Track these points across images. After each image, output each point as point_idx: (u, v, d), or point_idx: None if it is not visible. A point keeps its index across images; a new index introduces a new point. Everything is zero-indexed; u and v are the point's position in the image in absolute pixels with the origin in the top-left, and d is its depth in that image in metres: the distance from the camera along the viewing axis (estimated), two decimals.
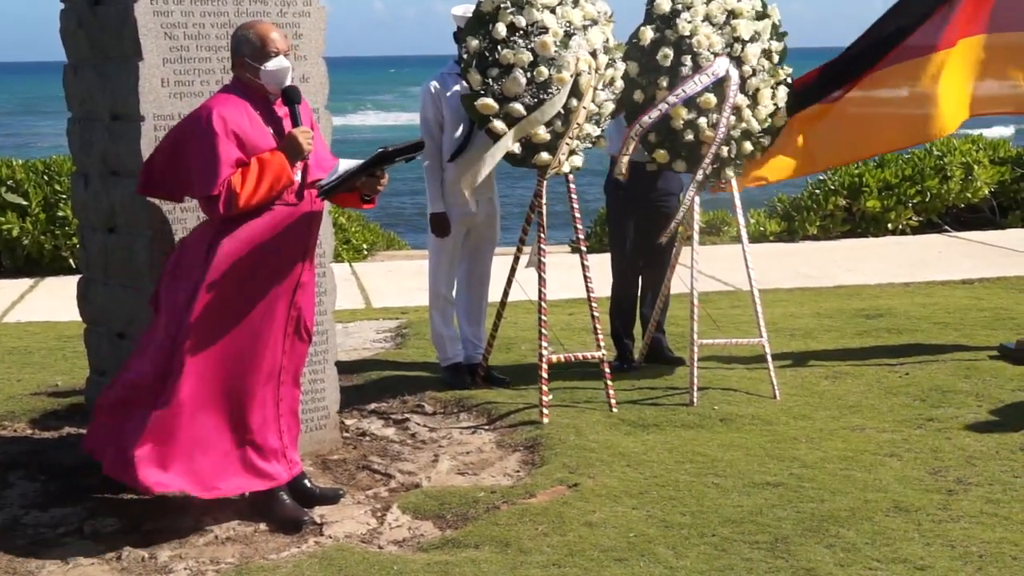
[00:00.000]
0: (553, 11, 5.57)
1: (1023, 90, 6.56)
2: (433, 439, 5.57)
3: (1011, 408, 5.74)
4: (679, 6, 5.96)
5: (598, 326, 5.98)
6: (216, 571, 4.11)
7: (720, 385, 6.27)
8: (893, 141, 6.88)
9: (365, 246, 12.48)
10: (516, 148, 5.62)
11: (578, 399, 6.06)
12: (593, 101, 5.73)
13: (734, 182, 6.27)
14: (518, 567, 4.04)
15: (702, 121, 5.95)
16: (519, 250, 6.14)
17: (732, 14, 6.01)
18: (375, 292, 9.65)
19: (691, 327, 6.08)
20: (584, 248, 6.14)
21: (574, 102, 5.62)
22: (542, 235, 5.87)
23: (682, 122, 5.96)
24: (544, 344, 5.76)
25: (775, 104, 6.17)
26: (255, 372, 4.41)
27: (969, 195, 12.70)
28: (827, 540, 4.20)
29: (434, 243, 6.34)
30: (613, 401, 5.86)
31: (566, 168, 5.83)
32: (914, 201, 12.40)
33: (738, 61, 6.00)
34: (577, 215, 6.07)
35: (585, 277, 5.98)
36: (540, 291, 5.80)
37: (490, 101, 5.54)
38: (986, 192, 12.80)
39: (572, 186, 6.01)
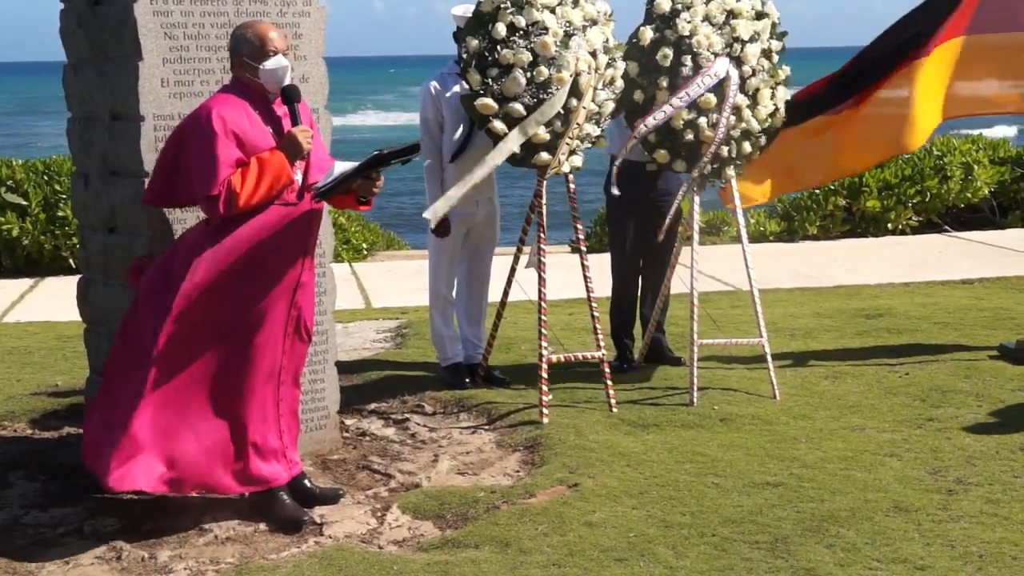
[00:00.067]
0: (553, 11, 5.57)
1: (1004, 90, 6.55)
2: (433, 439, 5.57)
3: (1011, 408, 5.74)
4: (679, 6, 5.96)
5: (598, 326, 5.98)
6: (216, 571, 4.11)
7: (720, 385, 6.27)
8: (873, 156, 6.86)
9: (365, 246, 12.48)
10: (516, 148, 5.61)
11: (578, 399, 6.06)
12: (593, 101, 5.73)
13: (734, 182, 6.27)
14: (518, 567, 4.04)
15: (702, 121, 5.95)
16: (519, 250, 6.14)
17: (731, 14, 6.01)
18: (375, 292, 9.65)
19: (691, 327, 6.08)
20: (584, 248, 6.14)
21: (574, 102, 5.62)
22: (542, 235, 5.87)
23: (682, 122, 5.96)
24: (544, 344, 5.76)
25: (775, 104, 6.17)
26: (255, 372, 4.41)
27: (969, 195, 12.70)
28: (827, 540, 4.20)
29: (434, 243, 6.34)
30: (613, 401, 5.86)
31: (566, 168, 5.83)
32: (914, 201, 12.40)
33: (738, 61, 6.00)
34: (577, 215, 6.07)
35: (585, 277, 5.98)
36: (540, 291, 5.80)
37: (490, 101, 5.54)
38: (986, 192, 12.80)
39: (572, 186, 6.01)
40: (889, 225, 12.32)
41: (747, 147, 6.15)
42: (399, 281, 10.10)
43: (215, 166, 4.21)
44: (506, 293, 6.29)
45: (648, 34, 5.96)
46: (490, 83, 5.54)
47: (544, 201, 5.88)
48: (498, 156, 5.62)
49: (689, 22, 5.91)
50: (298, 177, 4.42)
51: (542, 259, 5.82)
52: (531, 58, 5.52)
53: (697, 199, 6.20)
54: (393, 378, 6.57)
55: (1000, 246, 11.00)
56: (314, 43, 5.12)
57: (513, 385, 6.32)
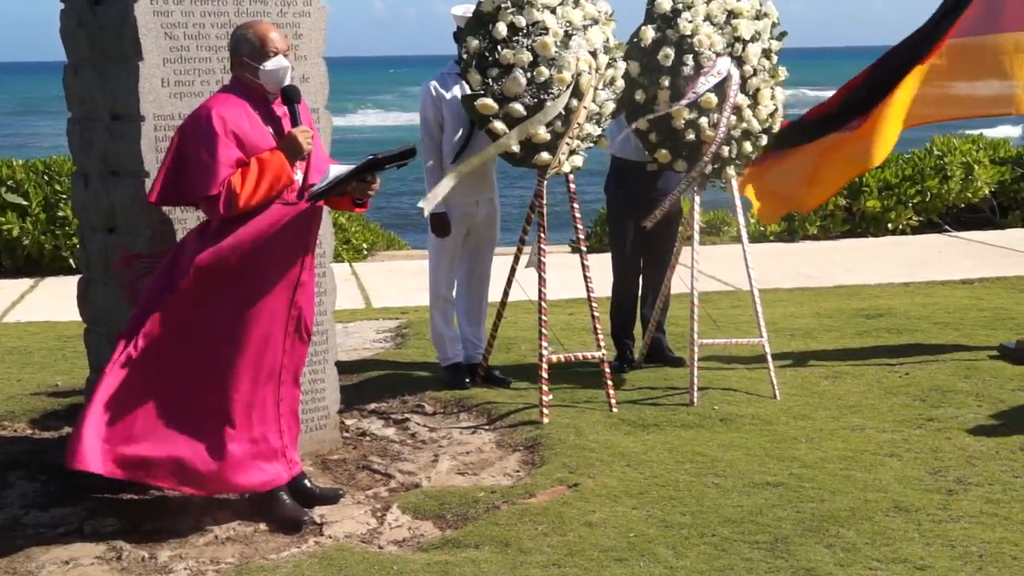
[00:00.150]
0: (553, 11, 5.57)
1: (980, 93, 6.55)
2: (433, 439, 5.57)
3: (1011, 408, 5.74)
4: (680, 6, 5.96)
5: (598, 326, 5.98)
6: (216, 571, 4.11)
7: (720, 385, 6.27)
8: (845, 175, 6.84)
9: (365, 246, 12.48)
10: (516, 148, 5.62)
11: (578, 399, 6.06)
12: (594, 101, 5.73)
13: (734, 182, 6.27)
14: (518, 567, 4.04)
15: (703, 121, 5.96)
16: (519, 250, 6.14)
17: (732, 14, 6.01)
18: (375, 292, 9.65)
19: (691, 327, 6.08)
20: (584, 248, 6.14)
21: (574, 102, 5.62)
22: (542, 235, 5.87)
23: (683, 122, 5.97)
24: (544, 344, 5.76)
25: (775, 104, 6.17)
26: (255, 372, 4.41)
27: (969, 195, 12.70)
28: (827, 540, 4.20)
29: (434, 243, 6.34)
30: (613, 401, 5.86)
31: (566, 168, 5.83)
32: (914, 201, 12.40)
33: (739, 61, 6.00)
34: (577, 215, 6.07)
35: (585, 277, 5.98)
36: (540, 291, 5.80)
37: (490, 101, 5.54)
38: (986, 192, 12.80)
39: (572, 186, 6.01)
40: (889, 225, 12.32)
41: (747, 147, 6.16)
42: (399, 281, 10.11)
43: (215, 166, 4.22)
44: (506, 293, 6.29)
45: (649, 34, 5.96)
46: (490, 83, 5.54)
47: (544, 201, 5.88)
48: (495, 149, 5.62)
49: (691, 22, 5.91)
50: (298, 177, 4.42)
51: (542, 259, 5.82)
52: (531, 58, 5.52)
53: (697, 199, 6.20)
54: (393, 378, 6.57)
55: (1000, 246, 11.00)
56: (314, 43, 5.12)
57: (513, 385, 6.32)
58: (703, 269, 6.89)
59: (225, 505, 4.60)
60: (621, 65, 5.86)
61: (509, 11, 5.52)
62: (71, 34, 5.09)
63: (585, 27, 5.65)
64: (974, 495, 4.61)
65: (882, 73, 6.51)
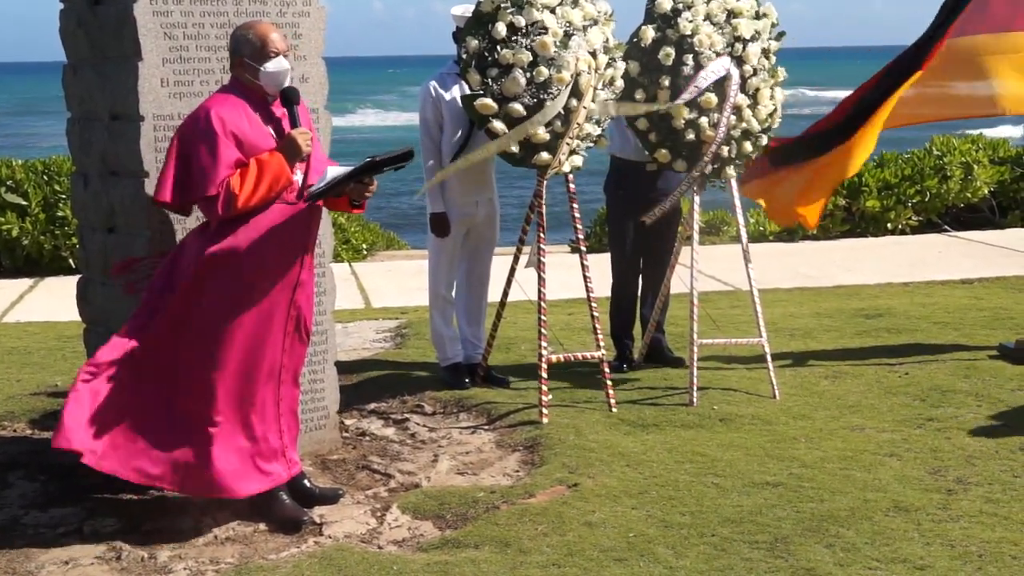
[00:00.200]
0: (553, 11, 5.57)
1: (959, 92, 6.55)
2: (433, 439, 5.57)
3: (1011, 408, 5.74)
4: (680, 5, 5.96)
5: (598, 326, 5.98)
6: (216, 571, 4.11)
7: (720, 385, 6.27)
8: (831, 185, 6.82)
9: (365, 246, 12.48)
10: (515, 148, 5.62)
11: (578, 399, 6.06)
12: (593, 101, 5.72)
13: (733, 182, 6.27)
14: (518, 567, 4.03)
15: (703, 121, 5.96)
16: (519, 250, 6.14)
17: (732, 13, 6.01)
18: (375, 292, 9.65)
19: (691, 327, 6.08)
20: (584, 248, 6.14)
21: (574, 102, 5.62)
22: (542, 235, 5.87)
23: (683, 121, 5.97)
24: (544, 344, 5.76)
25: (774, 104, 6.17)
26: (255, 371, 4.41)
27: (969, 195, 12.70)
28: (827, 540, 4.20)
29: (434, 243, 6.34)
30: (613, 401, 5.86)
31: (566, 168, 5.83)
32: (914, 201, 12.40)
33: (739, 61, 6.00)
34: (577, 215, 6.07)
35: (585, 277, 5.98)
36: (540, 291, 5.80)
37: (489, 101, 5.54)
38: (986, 192, 12.80)
39: (572, 186, 6.01)
40: (889, 225, 12.32)
41: (747, 147, 6.15)
42: (399, 281, 10.11)
43: (214, 167, 4.21)
44: (506, 293, 6.29)
45: (649, 33, 5.96)
46: (490, 83, 5.54)
47: (544, 201, 5.88)
48: (495, 147, 5.62)
49: (691, 21, 5.91)
50: (298, 178, 4.42)
51: (542, 259, 5.82)
52: (531, 58, 5.52)
53: (697, 199, 6.20)
54: (393, 378, 6.57)
55: (1000, 246, 11.00)
56: (314, 43, 5.11)
57: (513, 385, 6.32)
58: (703, 269, 6.90)
59: (225, 505, 4.60)
60: (620, 65, 5.86)
61: (508, 11, 5.52)
62: (70, 34, 5.08)
63: (585, 27, 5.65)
64: (974, 495, 4.61)
65: (891, 80, 6.49)
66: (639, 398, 6.08)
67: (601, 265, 6.96)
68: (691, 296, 6.10)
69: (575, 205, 6.04)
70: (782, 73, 6.20)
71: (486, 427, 5.71)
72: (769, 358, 6.17)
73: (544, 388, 5.70)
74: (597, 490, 4.70)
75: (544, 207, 5.88)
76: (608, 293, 6.79)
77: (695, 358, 6.03)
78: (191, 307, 4.29)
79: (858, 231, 12.30)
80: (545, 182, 5.84)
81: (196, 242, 4.38)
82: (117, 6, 4.72)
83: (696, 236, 6.20)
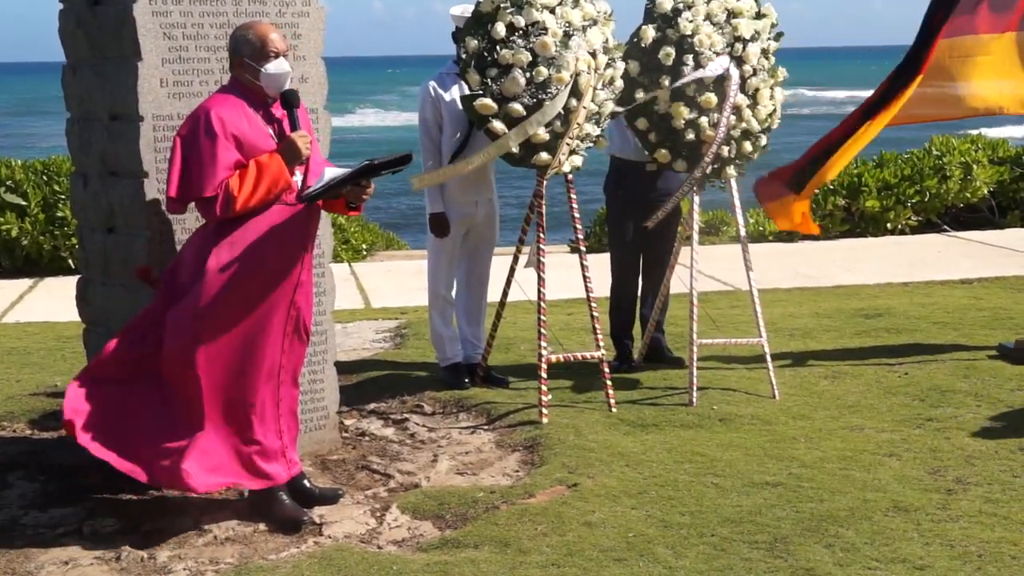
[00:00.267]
0: (552, 11, 5.57)
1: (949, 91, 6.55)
2: (432, 439, 5.57)
3: (1010, 408, 5.74)
4: (680, 5, 5.96)
5: (597, 326, 5.98)
6: (215, 571, 4.11)
7: (719, 385, 6.27)
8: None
9: (364, 246, 12.48)
10: (515, 148, 5.62)
11: (577, 399, 6.06)
12: (593, 101, 5.73)
13: (733, 182, 6.28)
14: (517, 567, 4.04)
15: (703, 120, 5.96)
16: (518, 250, 6.14)
17: (732, 13, 6.01)
18: (374, 292, 9.65)
19: (690, 327, 6.08)
20: (583, 248, 6.14)
21: (574, 102, 5.62)
22: (541, 235, 5.87)
23: (683, 121, 5.97)
24: (543, 344, 5.76)
25: (774, 104, 6.18)
26: (254, 372, 4.41)
27: (968, 195, 12.71)
28: (826, 540, 4.20)
29: (433, 243, 6.34)
30: (612, 401, 5.86)
31: (566, 168, 5.83)
32: (913, 201, 12.40)
33: (739, 61, 6.00)
34: (576, 215, 6.07)
35: (584, 277, 5.98)
36: (539, 291, 5.80)
37: (489, 101, 5.54)
38: (985, 192, 12.81)
39: (571, 186, 6.01)
40: (888, 225, 12.32)
41: (747, 147, 6.16)
42: (398, 281, 10.11)
43: (213, 167, 4.21)
44: (505, 293, 6.29)
45: (650, 33, 5.96)
46: (489, 83, 5.54)
47: (543, 201, 5.88)
48: (495, 151, 5.62)
49: (691, 21, 5.91)
50: (297, 179, 4.42)
51: (541, 259, 5.82)
52: (530, 58, 5.52)
53: (696, 199, 6.20)
54: (392, 378, 6.57)
55: (999, 246, 11.00)
56: (313, 43, 5.12)
57: (512, 385, 6.32)
58: (702, 269, 6.90)
59: (224, 505, 4.60)
60: (620, 65, 5.87)
61: (508, 11, 5.52)
62: (70, 34, 5.08)
63: (584, 27, 5.65)
64: (973, 495, 4.61)
65: (896, 85, 6.49)
66: (639, 398, 6.08)
67: (601, 265, 6.96)
68: (691, 296, 6.10)
69: (575, 205, 6.04)
70: (782, 73, 6.20)
71: (486, 427, 5.71)
72: (769, 358, 6.17)
73: (544, 388, 5.70)
74: (597, 490, 4.70)
75: (544, 207, 5.89)
76: (608, 293, 6.79)
77: (695, 358, 6.03)
78: (194, 308, 4.29)
79: (858, 231, 12.30)
80: (545, 182, 5.84)
81: (197, 243, 4.38)
82: (116, 6, 4.72)
83: (696, 236, 6.20)
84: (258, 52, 4.33)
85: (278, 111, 4.43)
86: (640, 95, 6.00)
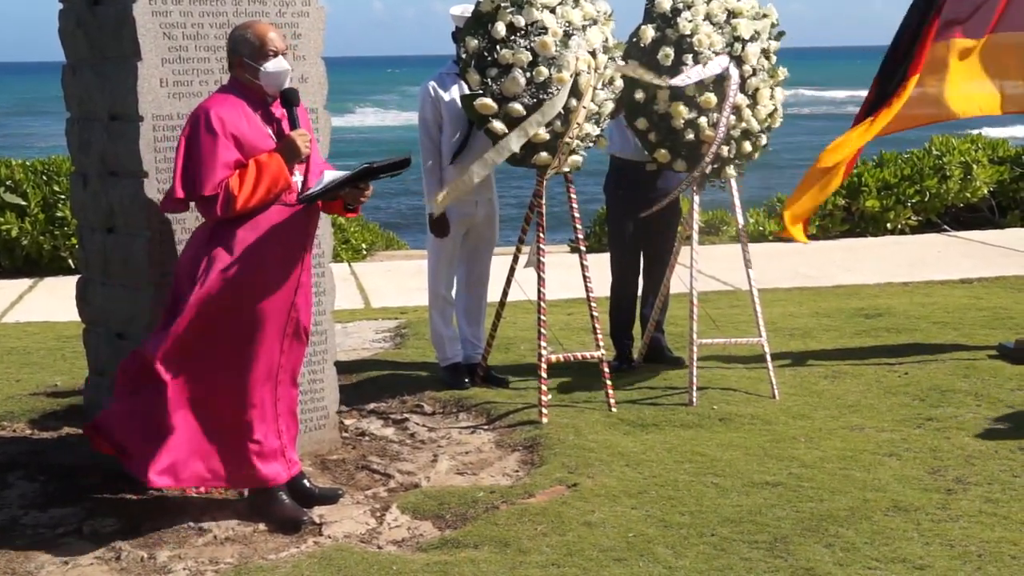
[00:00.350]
0: (553, 11, 5.57)
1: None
2: (432, 439, 5.57)
3: (1010, 407, 5.74)
4: (679, 5, 5.96)
5: (597, 326, 5.98)
6: (215, 571, 4.11)
7: (719, 385, 6.27)
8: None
9: (364, 246, 12.48)
10: (516, 148, 5.61)
11: (577, 399, 6.06)
12: (593, 100, 5.72)
13: (733, 182, 6.28)
14: (517, 567, 4.03)
15: (703, 120, 5.96)
16: (518, 250, 6.14)
17: (732, 13, 6.01)
18: (374, 292, 9.65)
19: (690, 327, 6.08)
20: (584, 248, 6.14)
21: (573, 102, 5.62)
22: (541, 235, 5.87)
23: (683, 121, 5.97)
24: (543, 344, 5.76)
25: (774, 104, 6.18)
26: (253, 372, 4.41)
27: (968, 195, 12.71)
28: (826, 540, 4.20)
29: (433, 243, 6.34)
30: (612, 401, 5.86)
31: (566, 168, 5.83)
32: (913, 201, 12.40)
33: (738, 60, 6.00)
34: (576, 215, 6.07)
35: (584, 277, 5.98)
36: (539, 291, 5.80)
37: (489, 101, 5.54)
38: (985, 192, 12.81)
39: (571, 186, 6.01)
40: (888, 225, 12.32)
41: (747, 147, 6.16)
42: (398, 281, 10.10)
43: (213, 167, 4.22)
44: (505, 293, 6.29)
45: (649, 33, 5.96)
46: (489, 83, 5.54)
47: (543, 201, 5.88)
48: (497, 156, 5.62)
49: (690, 21, 5.91)
50: (297, 179, 4.42)
51: (541, 259, 5.82)
52: (531, 58, 5.51)
53: (696, 199, 6.20)
54: (392, 378, 6.57)
55: (999, 246, 11.00)
56: (313, 43, 5.11)
57: (512, 385, 6.32)
58: (702, 269, 6.90)
59: (225, 505, 4.60)
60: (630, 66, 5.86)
61: (508, 11, 5.52)
62: (70, 34, 5.08)
63: (584, 27, 5.65)
64: (973, 495, 4.61)
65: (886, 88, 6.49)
66: (639, 398, 6.08)
67: (601, 265, 6.96)
68: (691, 296, 6.10)
69: (575, 205, 6.04)
70: (783, 73, 6.20)
71: (486, 427, 5.71)
72: (769, 358, 6.17)
73: (544, 388, 5.70)
74: (597, 490, 4.70)
75: (544, 207, 5.89)
76: (608, 293, 6.78)
77: (695, 358, 6.03)
78: (194, 310, 4.29)
79: (858, 231, 12.30)
80: (545, 182, 5.84)
81: (197, 243, 4.38)
82: (116, 6, 4.72)
83: (696, 236, 6.20)
84: (257, 51, 4.33)
85: (277, 110, 4.44)
86: (640, 95, 5.99)
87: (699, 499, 4.60)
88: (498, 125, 5.57)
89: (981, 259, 10.30)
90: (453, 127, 6.13)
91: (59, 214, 11.07)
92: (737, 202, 6.34)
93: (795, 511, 4.46)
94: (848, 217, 12.40)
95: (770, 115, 6.18)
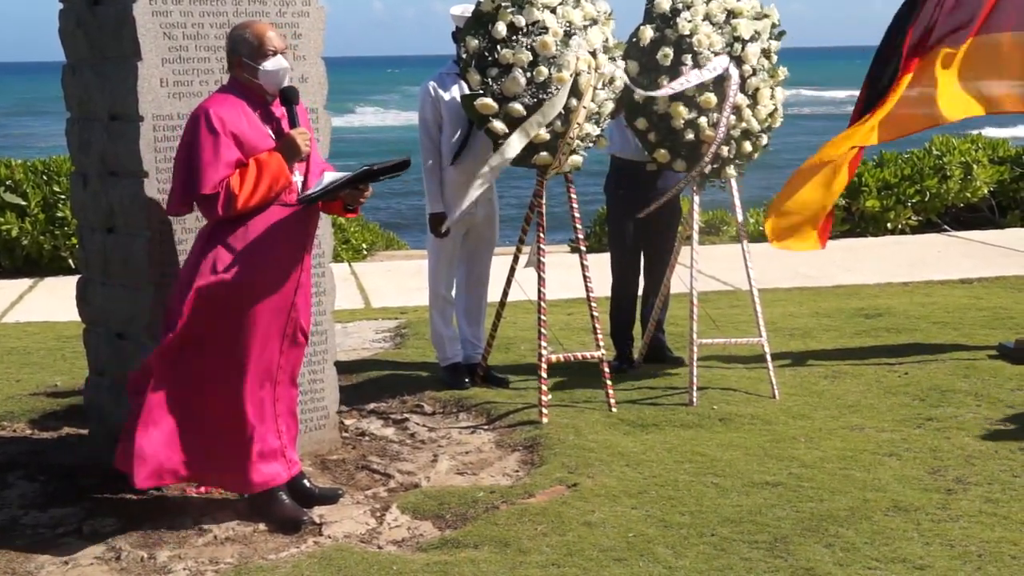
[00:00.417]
0: (553, 11, 5.57)
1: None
2: (432, 439, 5.57)
3: (1010, 407, 5.74)
4: (679, 5, 5.96)
5: (597, 326, 5.98)
6: (215, 571, 4.11)
7: (719, 385, 6.27)
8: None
9: (364, 246, 12.49)
10: (518, 150, 5.61)
11: (577, 399, 6.06)
12: (593, 100, 5.72)
13: (733, 182, 6.27)
14: (517, 567, 4.03)
15: (703, 120, 5.96)
16: (518, 250, 6.14)
17: (732, 13, 6.01)
18: (374, 292, 9.65)
19: (691, 327, 6.08)
20: (584, 248, 6.14)
21: (574, 102, 5.62)
22: (541, 235, 5.87)
23: (682, 121, 5.97)
24: (543, 344, 5.76)
25: (774, 104, 6.17)
26: (253, 372, 4.41)
27: (968, 195, 12.71)
28: (826, 540, 4.20)
29: (433, 243, 6.34)
30: (612, 401, 5.86)
31: (566, 168, 5.83)
32: (913, 201, 12.40)
33: (738, 61, 6.00)
34: (576, 215, 6.07)
35: (584, 277, 5.98)
36: (539, 291, 5.80)
37: (489, 101, 5.54)
38: (985, 192, 12.81)
39: (572, 186, 6.01)
40: (888, 225, 12.32)
41: (747, 147, 6.16)
42: (398, 281, 10.11)
43: (214, 166, 4.22)
44: (505, 293, 6.29)
45: (648, 33, 5.96)
46: (490, 83, 5.54)
47: (544, 201, 5.88)
48: (502, 161, 5.61)
49: (690, 21, 5.91)
50: (297, 178, 4.42)
51: (541, 259, 5.82)
52: (531, 58, 5.51)
53: (696, 199, 6.20)
54: (392, 378, 6.57)
55: (999, 246, 11.00)
56: (313, 43, 5.12)
57: (512, 385, 6.32)
58: (702, 269, 6.90)
59: (224, 505, 4.60)
60: (620, 64, 5.86)
61: (509, 10, 5.52)
62: (70, 34, 5.08)
63: (585, 27, 5.65)
64: (973, 495, 4.61)
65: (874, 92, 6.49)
66: (639, 398, 6.08)
67: (601, 265, 6.96)
68: (691, 296, 6.10)
69: (575, 205, 6.04)
70: (783, 73, 6.20)
71: (486, 427, 5.71)
72: (769, 358, 6.17)
73: (544, 388, 5.70)
74: (597, 490, 4.70)
75: (544, 207, 5.89)
76: (608, 293, 6.78)
77: (695, 358, 6.03)
78: (196, 311, 4.29)
79: (858, 231, 12.30)
80: (545, 182, 5.84)
81: (198, 244, 4.38)
82: (116, 6, 4.72)
83: (696, 236, 6.20)
84: (256, 50, 4.34)
85: (277, 110, 4.44)
86: (639, 95, 5.99)
87: (699, 499, 4.60)
88: (498, 125, 5.56)
89: (981, 259, 10.30)
90: (453, 127, 6.13)
91: (59, 214, 11.08)
92: (737, 202, 6.34)
93: (795, 511, 4.46)
94: (848, 217, 12.40)
95: (770, 115, 6.18)
